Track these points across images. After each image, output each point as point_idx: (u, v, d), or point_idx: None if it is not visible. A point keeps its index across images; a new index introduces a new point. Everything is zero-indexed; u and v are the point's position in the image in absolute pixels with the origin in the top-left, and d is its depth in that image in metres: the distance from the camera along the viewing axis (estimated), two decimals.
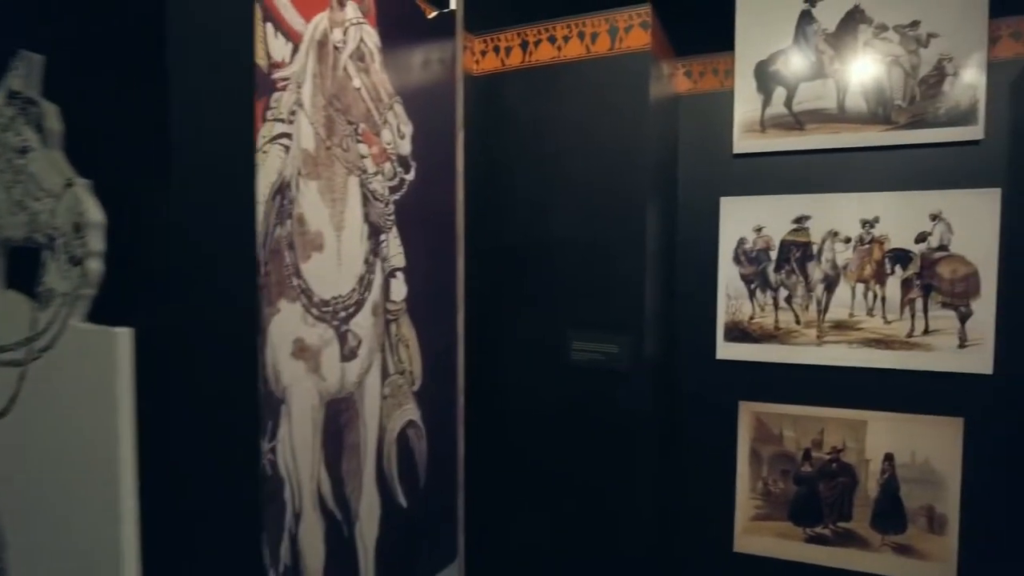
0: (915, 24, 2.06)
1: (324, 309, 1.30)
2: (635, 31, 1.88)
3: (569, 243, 1.98)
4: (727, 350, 2.32)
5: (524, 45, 2.02)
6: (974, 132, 2.03)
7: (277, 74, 1.17)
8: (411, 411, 1.60)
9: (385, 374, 1.49)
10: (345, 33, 1.36)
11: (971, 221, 2.05)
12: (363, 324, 1.41)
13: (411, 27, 1.57)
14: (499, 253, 2.09)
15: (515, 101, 2.04)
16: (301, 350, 1.24)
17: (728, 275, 2.31)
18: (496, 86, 2.06)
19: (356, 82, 1.39)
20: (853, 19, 2.12)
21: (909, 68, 2.08)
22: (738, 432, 2.33)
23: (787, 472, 2.28)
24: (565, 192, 1.97)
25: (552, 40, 1.98)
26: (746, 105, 2.23)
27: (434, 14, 1.78)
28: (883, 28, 2.09)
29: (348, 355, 1.38)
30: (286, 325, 1.19)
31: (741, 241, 2.28)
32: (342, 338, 1.36)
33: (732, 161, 2.28)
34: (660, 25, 2.00)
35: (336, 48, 1.34)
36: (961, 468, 2.10)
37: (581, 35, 1.94)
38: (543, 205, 2.01)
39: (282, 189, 1.19)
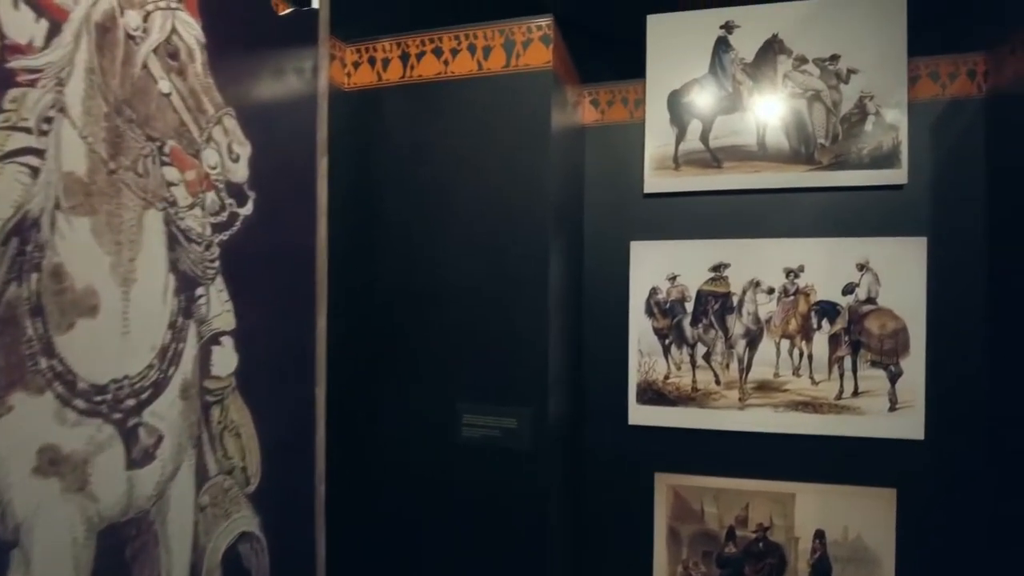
0: (835, 58, 1.88)
1: (97, 399, 0.91)
2: (535, 46, 1.59)
3: (458, 294, 1.63)
4: (640, 414, 2.02)
5: (405, 57, 1.69)
6: (898, 176, 1.85)
7: (17, 62, 0.79)
8: (245, 520, 1.20)
9: (203, 477, 1.10)
10: (146, 19, 1.00)
11: (898, 271, 1.86)
12: (165, 413, 1.02)
13: (252, 23, 1.22)
14: (372, 307, 1.71)
15: (394, 122, 1.70)
16: (53, 463, 0.85)
17: (640, 329, 2.02)
18: (371, 104, 1.72)
19: (164, 86, 1.03)
20: (771, 49, 1.92)
21: (831, 104, 1.89)
22: (654, 509, 2.02)
23: (709, 554, 1.99)
24: (454, 233, 1.64)
25: (438, 53, 1.66)
26: (658, 139, 1.99)
27: (287, 11, 1.42)
28: (803, 60, 1.90)
29: (139, 459, 0.98)
30: (25, 428, 0.80)
31: (654, 291, 2.01)
32: (128, 436, 0.97)
33: (643, 201, 2.02)
34: (564, 45, 1.72)
35: (131, 37, 0.97)
36: (895, 544, 1.87)
37: (472, 48, 1.63)
38: (427, 248, 1.66)
39: (21, 230, 0.80)
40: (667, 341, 2.02)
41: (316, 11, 1.41)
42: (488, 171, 1.63)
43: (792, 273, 1.92)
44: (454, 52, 1.67)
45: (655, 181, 2.00)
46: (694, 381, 2.00)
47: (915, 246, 1.86)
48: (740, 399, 1.96)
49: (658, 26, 2.01)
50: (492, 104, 1.64)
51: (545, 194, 1.59)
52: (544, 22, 1.61)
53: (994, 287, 1.80)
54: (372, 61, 1.74)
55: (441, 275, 1.66)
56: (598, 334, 2.08)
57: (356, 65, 1.75)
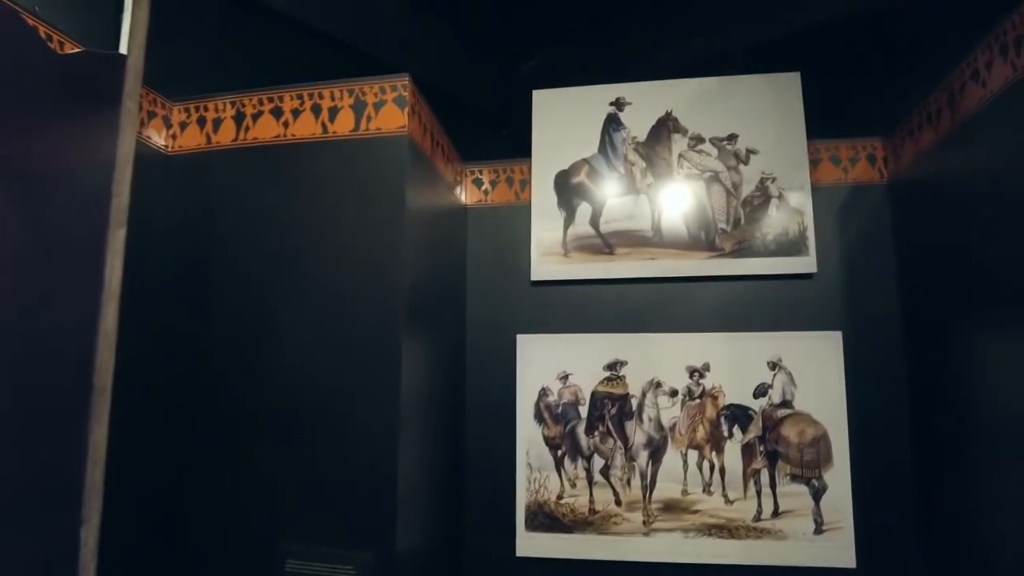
0: (733, 138, 1.74)
1: None
2: (388, 109, 1.37)
3: (287, 402, 1.30)
4: (530, 543, 1.67)
5: (240, 118, 1.44)
6: (806, 264, 1.66)
7: None
8: None
9: None
10: None
11: (814, 370, 1.64)
12: None
13: (28, 69, 0.95)
14: (172, 415, 1.35)
15: (224, 192, 1.43)
16: None
17: (529, 437, 1.71)
18: (199, 169, 1.44)
19: None
20: (665, 127, 1.77)
21: (731, 186, 1.72)
22: None
23: None
24: (286, 325, 1.33)
25: (277, 113, 1.42)
26: (546, 222, 1.77)
27: (75, 51, 1.17)
28: (699, 139, 1.75)
29: None
30: None
31: (544, 392, 1.72)
32: None
33: (531, 289, 1.77)
34: (429, 112, 1.50)
35: None
36: None
37: (316, 109, 1.40)
38: (254, 344, 1.35)
39: None
40: (560, 452, 1.71)
41: (122, 58, 1.15)
42: (331, 253, 1.35)
43: (696, 372, 1.67)
44: (295, 113, 1.43)
45: (543, 268, 1.76)
46: (591, 501, 1.68)
47: (830, 341, 1.65)
48: (645, 523, 1.64)
49: (544, 101, 1.84)
50: (338, 174, 1.39)
51: (399, 280, 1.31)
52: (400, 82, 1.39)
53: (916, 384, 1.58)
54: (202, 121, 1.48)
55: (268, 377, 1.33)
56: (481, 445, 1.76)
57: (183, 125, 1.49)
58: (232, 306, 1.38)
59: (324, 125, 1.42)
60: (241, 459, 1.32)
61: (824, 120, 1.78)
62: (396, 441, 1.26)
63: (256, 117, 1.45)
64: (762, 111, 1.76)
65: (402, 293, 1.31)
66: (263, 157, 1.44)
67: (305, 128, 1.43)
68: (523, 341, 1.76)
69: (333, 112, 1.42)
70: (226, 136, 1.46)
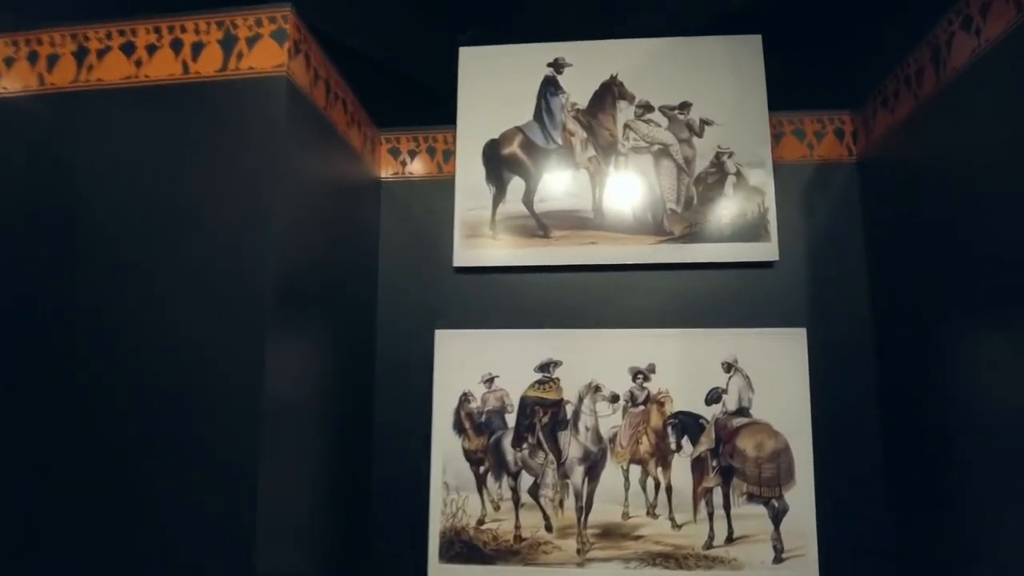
0: (685, 107, 1.51)
1: None
2: (264, 45, 1.10)
3: (114, 402, 1.01)
4: None
5: (81, 54, 1.15)
6: (767, 251, 1.44)
7: None
8: None
9: None
10: None
11: (774, 372, 1.41)
12: None
13: None
14: None
15: (57, 144, 1.14)
16: None
17: (447, 451, 1.45)
18: (27, 116, 1.14)
19: None
20: (609, 93, 1.53)
21: (682, 161, 1.49)
22: None
23: None
24: (122, 303, 1.03)
25: (128, 50, 1.14)
26: (472, 200, 1.51)
27: None
28: (647, 108, 1.52)
29: None
30: None
31: (465, 398, 1.46)
32: None
33: (453, 277, 1.51)
34: (323, 55, 1.24)
35: None
36: None
37: (177, 45, 1.12)
38: (75, 325, 1.04)
39: None
40: (482, 469, 1.45)
41: None
42: (184, 221, 1.06)
43: (641, 375, 1.43)
44: (151, 49, 1.15)
45: (467, 252, 1.50)
46: (518, 527, 1.42)
47: (792, 339, 1.43)
48: (579, 551, 1.39)
49: (472, 60, 1.58)
50: (200, 123, 1.11)
51: (267, 258, 1.04)
52: (279, 12, 1.13)
53: (887, 389, 1.37)
54: (33, 58, 1.18)
55: (91, 374, 1.04)
56: (389, 460, 1.49)
57: (9, 62, 1.19)
58: (52, 283, 1.08)
59: (185, 64, 1.14)
60: (66, 463, 1.02)
61: (787, 91, 1.56)
62: (255, 456, 0.98)
63: (102, 54, 1.16)
64: (719, 78, 1.54)
65: (270, 274, 1.04)
66: (109, 102, 1.15)
67: (162, 68, 1.14)
68: (442, 337, 1.50)
69: (197, 48, 1.14)
70: (64, 76, 1.17)
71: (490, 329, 1.49)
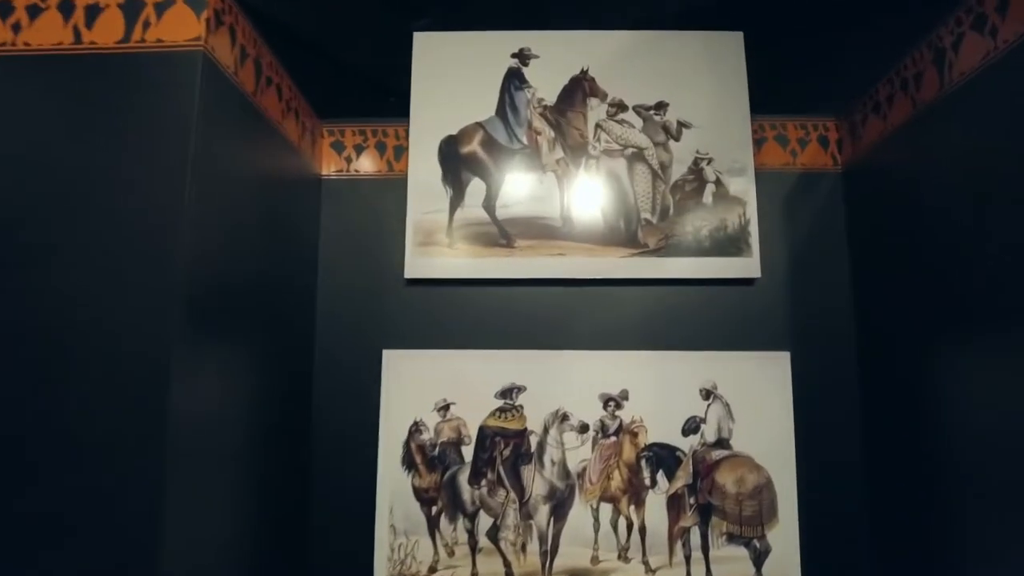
0: (662, 107, 1.37)
1: None
2: (177, 12, 0.90)
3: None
4: None
5: None
6: (748, 266, 1.32)
7: None
8: None
9: None
10: None
11: (756, 400, 1.29)
12: None
13: None
14: None
15: None
16: None
17: (394, 490, 1.27)
18: None
19: None
20: (580, 89, 1.38)
21: (658, 167, 1.35)
22: None
23: None
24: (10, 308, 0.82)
25: (6, 12, 0.91)
26: (426, 203, 1.33)
27: None
28: (620, 107, 1.37)
29: None
30: None
31: (416, 428, 1.29)
32: None
33: (404, 290, 1.34)
34: (253, 29, 1.06)
35: None
36: None
37: (67, 7, 0.91)
38: None
39: None
40: (435, 509, 1.27)
41: None
42: (75, 221, 0.85)
43: (612, 402, 1.28)
44: (33, 11, 0.94)
45: (421, 262, 1.33)
46: (475, 574, 1.25)
47: (776, 364, 1.31)
48: None
49: (428, 47, 1.41)
50: (95, 103, 0.89)
51: (174, 264, 0.85)
52: None
53: (873, 420, 1.27)
54: None
55: None
56: (329, 500, 1.30)
57: None
58: None
59: (77, 31, 0.93)
60: None
61: (766, 93, 1.44)
62: (161, 495, 0.79)
63: None
64: (698, 77, 1.41)
65: (178, 279, 0.84)
66: None
67: (48, 34, 0.93)
68: (391, 359, 1.32)
69: (92, 12, 0.93)
70: None
71: (445, 349, 1.32)
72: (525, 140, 1.40)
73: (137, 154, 0.88)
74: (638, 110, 1.41)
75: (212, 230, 0.94)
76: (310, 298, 1.35)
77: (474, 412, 1.30)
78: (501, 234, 1.36)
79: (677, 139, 1.40)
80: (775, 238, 1.37)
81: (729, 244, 1.35)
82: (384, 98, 1.47)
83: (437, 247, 1.35)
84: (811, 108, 1.45)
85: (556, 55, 1.42)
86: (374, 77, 1.52)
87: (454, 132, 1.40)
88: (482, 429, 1.29)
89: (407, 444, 1.29)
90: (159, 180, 0.87)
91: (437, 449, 1.29)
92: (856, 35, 1.41)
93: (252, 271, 1.08)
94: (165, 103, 0.90)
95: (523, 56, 1.43)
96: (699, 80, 1.41)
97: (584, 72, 1.42)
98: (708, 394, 1.30)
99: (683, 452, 1.29)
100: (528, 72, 1.42)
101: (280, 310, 1.20)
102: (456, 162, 1.39)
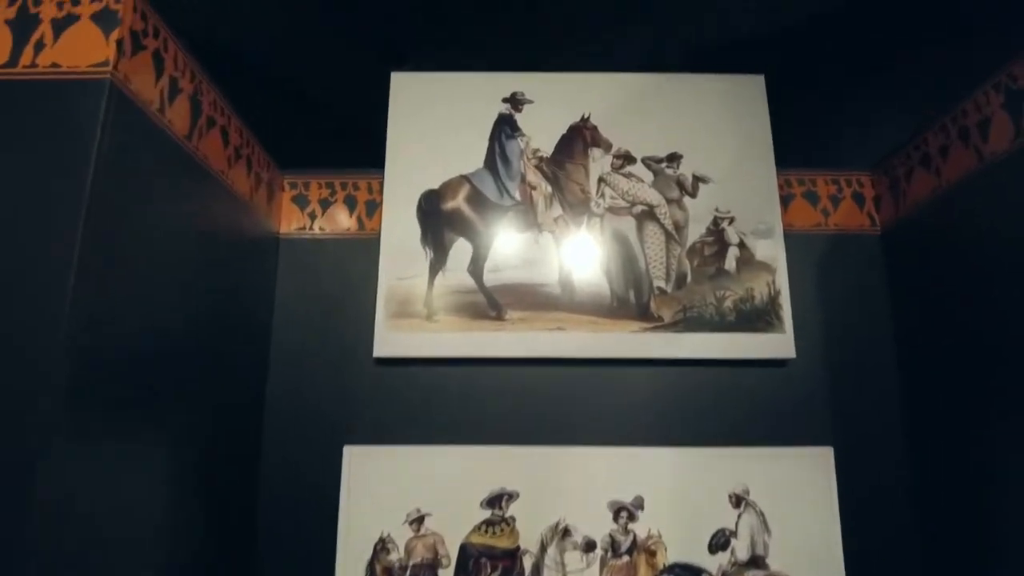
0: (675, 159, 1.18)
1: None
2: (80, 31, 0.69)
3: None
4: None
5: None
6: (780, 344, 1.11)
7: None
8: None
9: None
10: None
11: (796, 507, 1.07)
12: None
13: None
14: None
15: None
16: None
17: None
18: None
19: None
20: (580, 138, 1.20)
21: (671, 227, 1.15)
22: None
23: None
24: None
25: None
26: (402, 267, 1.12)
27: None
28: (628, 159, 1.19)
29: None
30: None
31: (383, 545, 1.04)
32: None
33: (372, 370, 1.10)
34: (191, 59, 0.86)
35: None
36: None
37: None
38: None
39: None
40: None
41: None
42: None
43: (625, 512, 1.05)
44: None
45: (393, 337, 1.10)
46: None
47: (817, 461, 1.09)
48: None
49: (407, 89, 1.22)
50: None
51: (53, 334, 0.62)
52: None
53: (928, 522, 1.04)
54: None
55: None
56: None
57: None
58: None
59: None
60: None
61: (788, 143, 1.26)
62: None
63: None
64: (715, 124, 1.24)
65: (63, 355, 0.62)
66: None
67: None
68: (354, 457, 1.08)
69: None
70: None
71: (420, 446, 1.09)
72: (518, 195, 1.20)
73: (21, 201, 0.66)
74: (648, 162, 1.22)
75: (118, 291, 0.71)
76: (257, 379, 1.12)
77: (454, 526, 1.05)
78: (489, 304, 1.14)
79: (693, 195, 1.21)
80: (808, 311, 1.17)
81: (757, 318, 1.14)
82: (357, 147, 1.27)
83: (413, 319, 1.13)
84: (837, 161, 1.28)
85: (553, 100, 1.24)
86: (347, 121, 1.33)
87: (435, 186, 1.20)
88: (464, 548, 1.05)
89: (371, 566, 1.04)
90: (48, 229, 0.65)
91: (409, 572, 1.03)
92: (894, 74, 1.24)
93: (177, 342, 0.85)
94: (58, 140, 0.69)
95: (516, 101, 1.24)
96: (717, 129, 1.24)
97: (585, 119, 1.23)
98: (739, 500, 1.07)
99: (710, 574, 1.04)
100: (521, 119, 1.24)
101: (216, 393, 0.97)
102: (438, 220, 1.18)
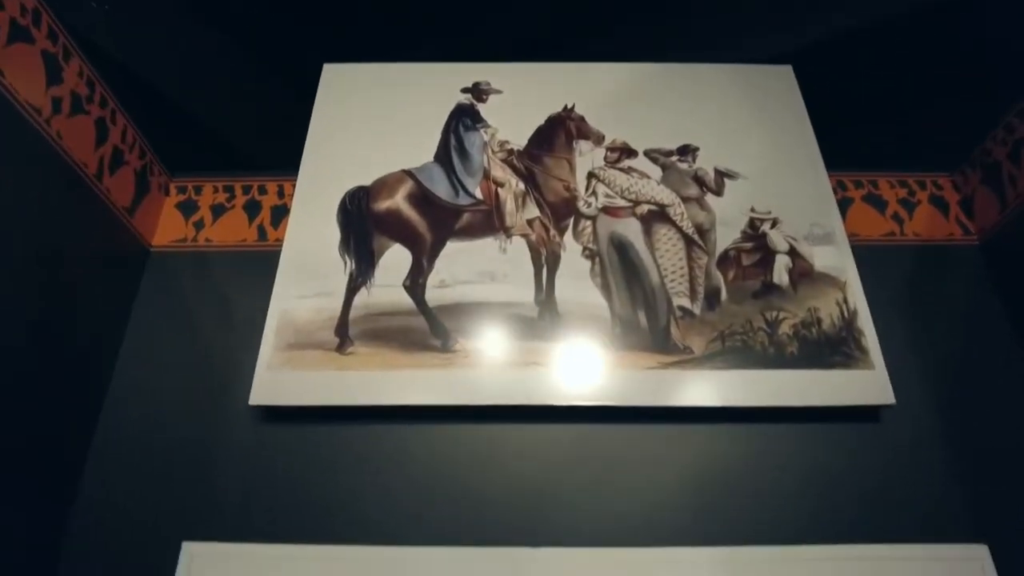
0: (688, 151, 0.89)
1: None
2: None
3: None
4: None
5: None
6: (869, 386, 0.72)
7: None
8: None
9: None
10: None
11: None
12: None
13: None
14: None
15: None
16: None
17: None
18: None
19: None
20: (563, 130, 0.92)
21: (691, 230, 0.82)
22: None
23: None
24: None
25: None
26: (304, 282, 0.79)
27: None
28: (626, 152, 0.90)
29: None
30: None
31: None
32: None
33: (244, 427, 0.69)
34: (67, 39, 0.58)
35: None
36: None
37: None
38: None
39: None
40: None
41: None
42: None
43: None
44: None
45: (283, 379, 0.73)
46: None
47: (961, 570, 0.63)
48: None
49: (340, 80, 0.96)
50: None
51: None
52: None
53: None
54: None
55: None
56: None
57: None
58: None
59: None
60: None
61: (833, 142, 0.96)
62: None
63: None
64: (737, 116, 0.96)
65: None
66: None
67: None
68: (195, 559, 0.64)
69: None
70: None
71: (304, 545, 0.65)
72: (479, 193, 0.88)
73: None
74: (653, 155, 0.92)
75: None
76: (79, 429, 0.70)
77: None
78: (433, 330, 0.77)
79: (718, 193, 0.90)
80: (896, 340, 0.78)
81: (831, 349, 0.76)
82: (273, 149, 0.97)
83: (316, 351, 0.75)
84: (893, 162, 0.96)
85: (526, 90, 0.98)
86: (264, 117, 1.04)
87: (366, 182, 0.88)
88: None
89: None
90: None
91: None
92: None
93: None
94: None
95: (478, 91, 0.97)
96: (740, 120, 0.96)
97: (568, 109, 0.94)
98: None
99: None
100: (485, 110, 0.95)
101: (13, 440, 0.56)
102: (364, 223, 0.85)
